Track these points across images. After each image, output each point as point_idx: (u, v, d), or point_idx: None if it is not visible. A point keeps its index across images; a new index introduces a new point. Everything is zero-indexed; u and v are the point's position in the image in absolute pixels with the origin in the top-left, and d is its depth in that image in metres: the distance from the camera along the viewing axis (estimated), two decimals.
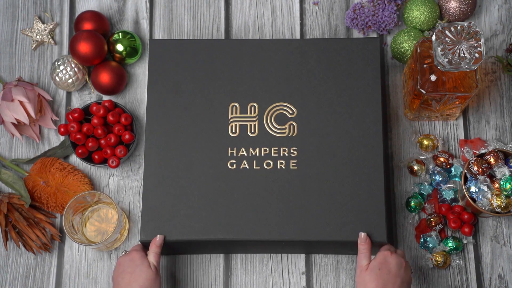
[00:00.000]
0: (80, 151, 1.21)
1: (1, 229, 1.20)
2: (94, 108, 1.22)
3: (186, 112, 1.17)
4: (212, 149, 1.15)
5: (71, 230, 1.16)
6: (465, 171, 1.15)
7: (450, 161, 1.22)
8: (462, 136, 1.25)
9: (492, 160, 1.14)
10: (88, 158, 1.23)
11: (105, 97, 1.29)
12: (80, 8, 1.34)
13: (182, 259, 1.21)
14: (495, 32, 1.30)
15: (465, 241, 1.19)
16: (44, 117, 1.27)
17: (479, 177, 1.14)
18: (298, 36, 1.31)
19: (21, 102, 1.22)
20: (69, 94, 1.30)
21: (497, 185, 1.15)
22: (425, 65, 1.12)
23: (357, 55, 1.18)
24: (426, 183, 1.22)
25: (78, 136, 1.21)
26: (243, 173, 1.14)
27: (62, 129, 1.22)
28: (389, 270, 1.05)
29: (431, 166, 1.23)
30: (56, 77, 1.26)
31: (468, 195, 1.15)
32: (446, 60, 1.06)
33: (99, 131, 1.21)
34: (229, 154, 1.15)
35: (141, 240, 1.12)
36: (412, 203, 1.20)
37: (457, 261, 1.18)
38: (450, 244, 1.18)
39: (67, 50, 1.32)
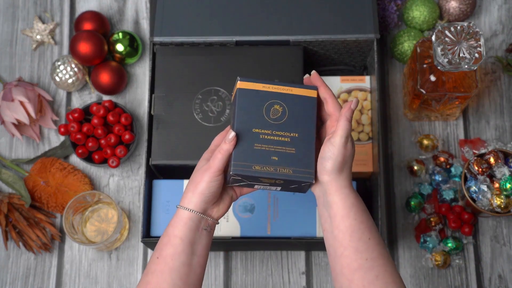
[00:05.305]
0: (80, 151, 1.21)
1: (1, 229, 1.20)
2: (94, 108, 1.22)
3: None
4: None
5: (71, 230, 1.16)
6: (465, 171, 1.15)
7: (450, 161, 1.22)
8: (462, 136, 1.25)
9: (492, 160, 1.14)
10: (88, 158, 1.23)
11: (105, 97, 1.29)
12: (80, 8, 1.34)
13: None
14: (495, 32, 1.30)
15: (465, 241, 1.19)
16: (44, 117, 1.27)
17: (479, 177, 1.14)
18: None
19: (21, 102, 1.22)
20: (69, 94, 1.30)
21: (497, 185, 1.15)
22: (425, 65, 1.12)
23: None
24: (426, 183, 1.22)
25: (78, 136, 1.21)
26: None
27: (62, 129, 1.22)
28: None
29: (431, 166, 1.23)
30: (56, 77, 1.26)
31: (468, 195, 1.15)
32: (446, 60, 1.06)
33: (99, 131, 1.21)
34: None
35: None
36: (412, 203, 1.20)
37: (457, 261, 1.18)
38: (450, 244, 1.18)
39: (67, 50, 1.32)
